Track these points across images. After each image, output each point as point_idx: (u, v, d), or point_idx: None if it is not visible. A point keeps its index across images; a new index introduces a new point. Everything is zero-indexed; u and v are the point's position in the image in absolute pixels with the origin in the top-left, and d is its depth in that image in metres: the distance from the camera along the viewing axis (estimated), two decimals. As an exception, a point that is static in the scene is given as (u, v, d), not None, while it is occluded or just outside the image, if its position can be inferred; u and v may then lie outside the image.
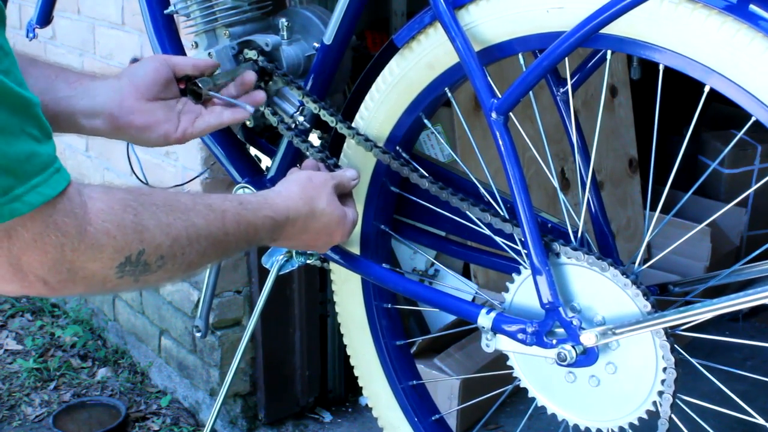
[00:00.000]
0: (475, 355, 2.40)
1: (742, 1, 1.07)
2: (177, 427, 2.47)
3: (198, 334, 1.65)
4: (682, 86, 1.44)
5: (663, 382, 1.25)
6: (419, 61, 1.36)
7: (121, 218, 0.97)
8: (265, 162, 1.59)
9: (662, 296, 1.37)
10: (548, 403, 1.37)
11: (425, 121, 1.43)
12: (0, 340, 2.87)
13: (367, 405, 1.70)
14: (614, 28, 1.15)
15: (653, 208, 1.36)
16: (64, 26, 2.72)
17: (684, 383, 1.26)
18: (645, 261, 1.35)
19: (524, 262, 1.32)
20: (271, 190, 1.29)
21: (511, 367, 1.39)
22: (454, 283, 2.30)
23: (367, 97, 1.44)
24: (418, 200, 1.48)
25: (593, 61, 1.38)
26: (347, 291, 1.61)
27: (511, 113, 1.25)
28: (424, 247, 1.58)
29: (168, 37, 1.59)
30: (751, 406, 1.31)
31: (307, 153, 1.47)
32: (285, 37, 1.51)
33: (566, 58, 1.19)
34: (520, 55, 1.30)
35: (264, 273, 2.09)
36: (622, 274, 1.25)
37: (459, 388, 2.31)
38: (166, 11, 1.56)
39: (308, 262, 1.55)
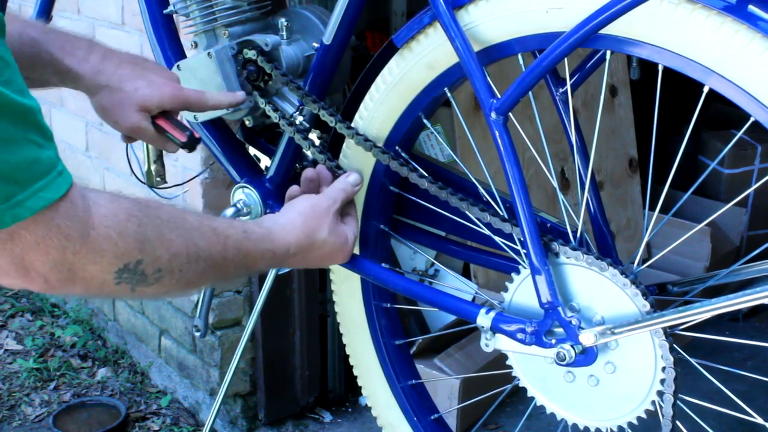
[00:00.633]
0: (475, 354, 2.40)
1: (741, 2, 1.07)
2: (177, 427, 2.47)
3: (197, 334, 1.65)
4: (682, 86, 1.44)
5: (662, 381, 1.26)
6: (419, 61, 1.36)
7: (123, 226, 1.00)
8: (265, 162, 1.59)
9: (661, 296, 1.37)
10: (547, 402, 1.38)
11: (425, 121, 1.43)
12: (0, 340, 2.87)
13: (366, 405, 1.70)
14: (614, 29, 1.15)
15: (653, 208, 1.36)
16: (63, 26, 2.71)
17: (684, 383, 1.26)
18: (644, 261, 1.36)
19: (523, 261, 1.32)
20: (275, 221, 1.30)
21: (510, 367, 1.40)
22: (454, 283, 2.30)
23: (366, 97, 1.44)
24: (417, 200, 1.48)
25: (593, 61, 1.38)
26: (347, 291, 1.61)
27: (510, 113, 1.25)
28: (423, 246, 1.58)
29: (167, 37, 1.60)
30: (751, 406, 1.31)
31: (308, 152, 1.47)
32: (284, 37, 1.51)
33: (566, 59, 1.19)
34: (519, 56, 1.30)
35: (264, 273, 2.09)
36: (621, 274, 1.25)
37: (459, 387, 2.31)
38: (165, 11, 1.57)
39: (308, 262, 1.55)
